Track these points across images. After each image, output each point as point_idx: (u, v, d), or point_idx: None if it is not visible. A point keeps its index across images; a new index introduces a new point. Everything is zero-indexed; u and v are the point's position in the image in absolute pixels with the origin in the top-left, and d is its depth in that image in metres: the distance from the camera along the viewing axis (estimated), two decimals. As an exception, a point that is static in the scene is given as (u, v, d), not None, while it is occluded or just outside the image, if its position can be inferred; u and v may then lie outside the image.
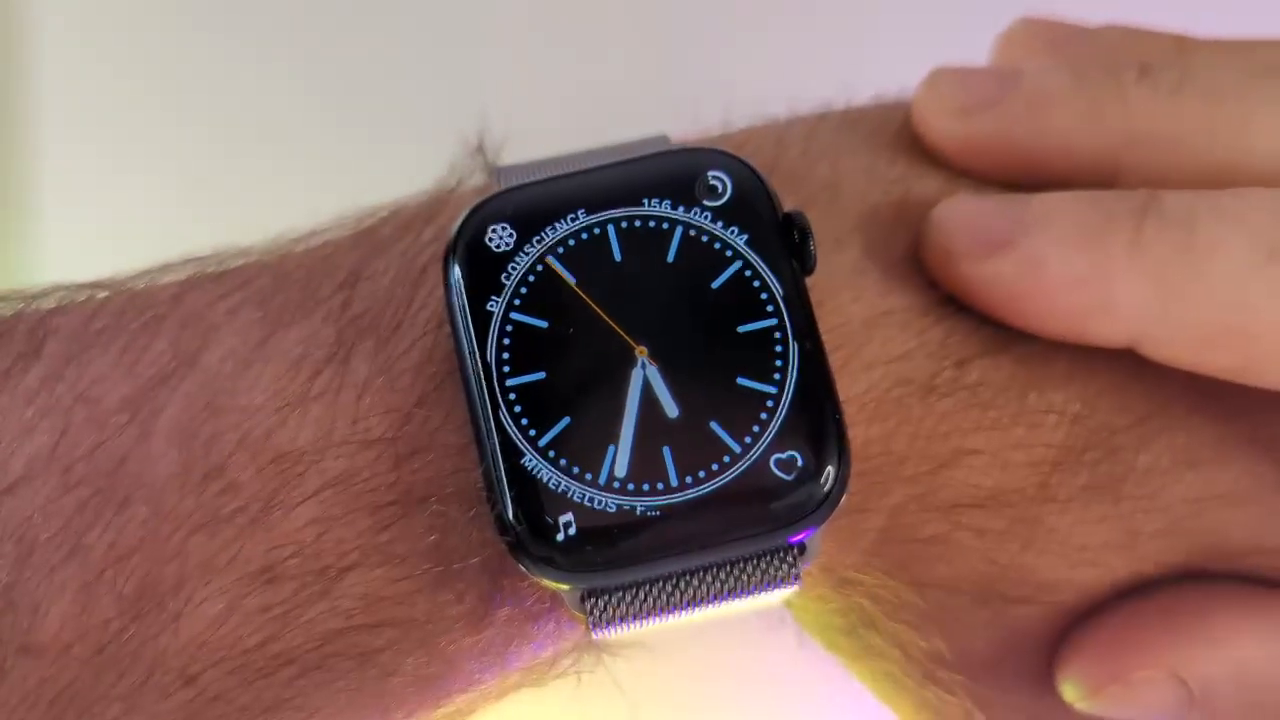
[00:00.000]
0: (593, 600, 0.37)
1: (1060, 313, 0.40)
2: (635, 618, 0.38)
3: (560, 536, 0.37)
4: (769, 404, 0.37)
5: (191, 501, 0.37)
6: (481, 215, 0.39)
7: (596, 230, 0.39)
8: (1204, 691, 0.41)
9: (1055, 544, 0.41)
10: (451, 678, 0.39)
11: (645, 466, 0.37)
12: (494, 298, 0.38)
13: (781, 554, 0.38)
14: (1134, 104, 0.42)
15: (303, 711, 0.38)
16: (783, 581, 0.38)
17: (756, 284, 0.38)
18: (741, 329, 0.38)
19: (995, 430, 0.40)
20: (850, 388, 0.40)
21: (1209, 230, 0.39)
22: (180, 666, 0.37)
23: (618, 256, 0.38)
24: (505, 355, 0.37)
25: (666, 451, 0.37)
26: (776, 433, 0.37)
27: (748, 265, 0.38)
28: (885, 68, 0.44)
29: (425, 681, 0.39)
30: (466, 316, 0.38)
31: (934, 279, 0.41)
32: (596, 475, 0.37)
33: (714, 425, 0.37)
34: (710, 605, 0.38)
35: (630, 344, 0.38)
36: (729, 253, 0.38)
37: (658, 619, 0.38)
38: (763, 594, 0.38)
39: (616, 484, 0.37)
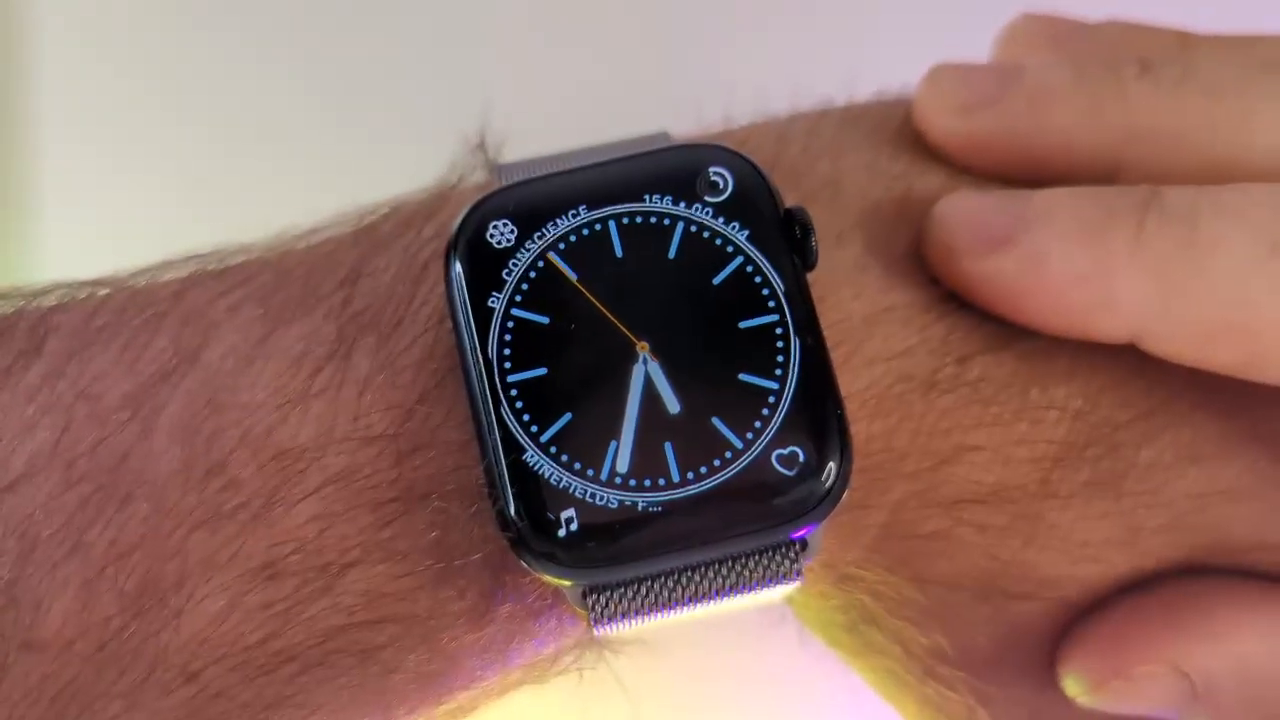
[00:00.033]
0: (594, 596, 0.37)
1: (1062, 309, 0.40)
2: (637, 614, 0.38)
3: (562, 532, 0.37)
4: (770, 400, 0.37)
5: (193, 498, 0.37)
6: (483, 211, 0.39)
7: (598, 226, 0.39)
8: (1206, 686, 0.41)
9: (1057, 540, 0.41)
10: (453, 675, 0.39)
11: (647, 462, 0.37)
12: (495, 294, 0.38)
13: (783, 550, 0.38)
14: (1135, 100, 0.42)
15: (304, 709, 0.38)
16: (784, 577, 0.38)
17: (758, 280, 0.38)
18: (743, 325, 0.38)
19: (997, 426, 0.40)
20: (852, 384, 0.40)
21: (1210, 226, 0.39)
22: (182, 663, 0.37)
23: (619, 252, 0.38)
24: (507, 351, 0.37)
25: (668, 447, 0.37)
26: (778, 428, 0.37)
27: (749, 261, 0.38)
28: (887, 64, 0.44)
29: (427, 678, 0.39)
30: (468, 313, 0.38)
31: (936, 275, 0.41)
32: (598, 471, 0.37)
33: (716, 421, 0.37)
34: (712, 601, 0.38)
35: (632, 340, 0.38)
36: (730, 249, 0.38)
37: (659, 615, 0.38)
38: (764, 590, 0.38)
39: (618, 480, 0.37)
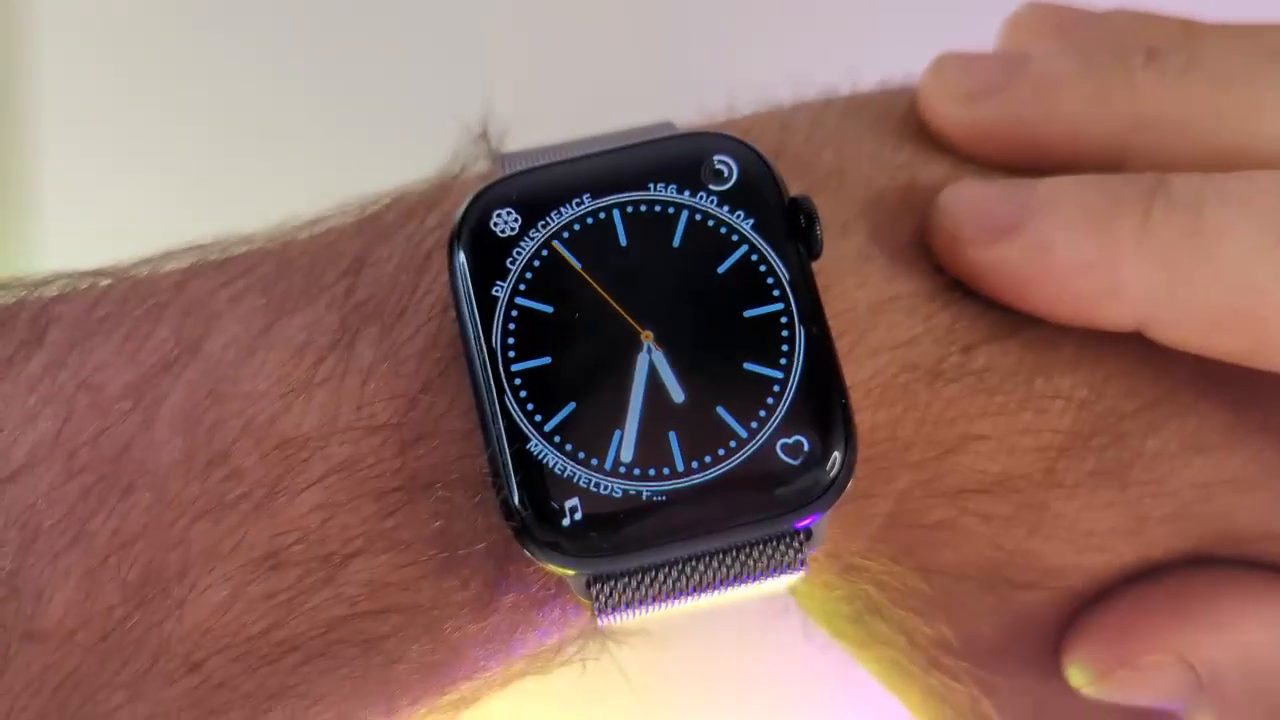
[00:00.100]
0: (598, 586, 0.37)
1: (1068, 297, 0.40)
2: (641, 603, 0.38)
3: (566, 522, 0.36)
4: (775, 389, 0.37)
5: (195, 488, 0.37)
6: (486, 200, 0.39)
7: (602, 215, 0.38)
8: (1211, 676, 0.41)
9: (1062, 529, 0.41)
10: (456, 664, 0.39)
11: (651, 451, 0.37)
12: (499, 283, 0.38)
13: (788, 539, 0.38)
14: (1141, 88, 0.42)
15: (307, 699, 0.38)
16: (789, 567, 0.38)
17: (763, 269, 0.38)
18: (748, 314, 0.38)
19: (1002, 416, 0.40)
20: (856, 373, 0.40)
21: (1216, 213, 0.39)
22: (184, 653, 0.37)
23: (623, 241, 0.38)
24: (510, 340, 0.37)
25: (673, 436, 0.37)
26: (783, 418, 0.37)
27: (754, 250, 0.38)
28: (891, 53, 0.44)
29: (430, 668, 0.39)
30: (471, 302, 0.38)
31: (940, 264, 0.41)
32: (602, 460, 0.37)
33: (720, 410, 0.37)
34: (716, 591, 0.38)
35: (636, 329, 0.38)
36: (735, 237, 0.38)
37: (663, 605, 0.38)
38: (769, 579, 0.38)
39: (622, 469, 0.37)
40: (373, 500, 0.37)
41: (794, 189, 0.40)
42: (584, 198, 0.39)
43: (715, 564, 0.38)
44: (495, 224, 0.38)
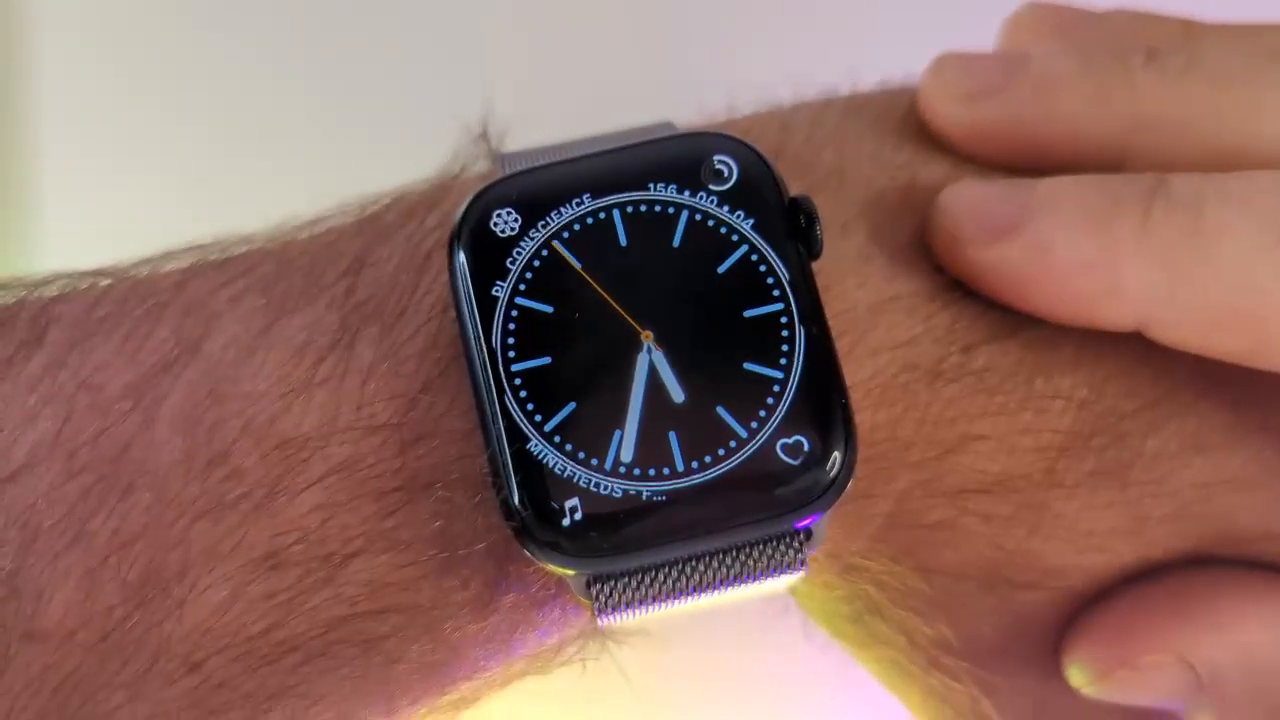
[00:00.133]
0: (598, 586, 0.37)
1: (1068, 297, 0.40)
2: (641, 603, 0.38)
3: (566, 522, 0.36)
4: (775, 389, 0.37)
5: (195, 488, 0.37)
6: (486, 200, 0.39)
7: (602, 215, 0.38)
8: (1212, 676, 0.41)
9: (1062, 529, 0.41)
10: (456, 665, 0.39)
11: (651, 451, 0.37)
12: (499, 283, 0.38)
13: (788, 539, 0.38)
14: (1141, 88, 0.42)
15: (307, 699, 0.38)
16: (789, 567, 0.38)
17: (763, 269, 0.38)
18: (748, 314, 0.38)
19: (1002, 416, 0.40)
20: (856, 373, 0.40)
21: (1216, 213, 0.39)
22: (184, 653, 0.37)
23: (623, 241, 0.38)
24: (510, 340, 0.37)
25: (673, 436, 0.37)
26: (783, 417, 0.37)
27: (754, 250, 0.38)
28: (891, 53, 0.44)
29: (430, 668, 0.39)
30: (471, 302, 0.38)
31: (940, 264, 0.41)
32: (602, 460, 0.37)
33: (720, 410, 0.37)
34: (716, 591, 0.38)
35: (636, 329, 0.38)
36: (735, 237, 0.38)
37: (663, 605, 0.38)
38: (769, 579, 0.38)
39: (623, 469, 0.37)
40: (373, 500, 0.37)
41: (794, 189, 0.40)
42: (584, 198, 0.39)
43: (715, 564, 0.38)
44: (495, 224, 0.38)
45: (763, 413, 0.37)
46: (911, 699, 0.45)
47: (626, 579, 0.37)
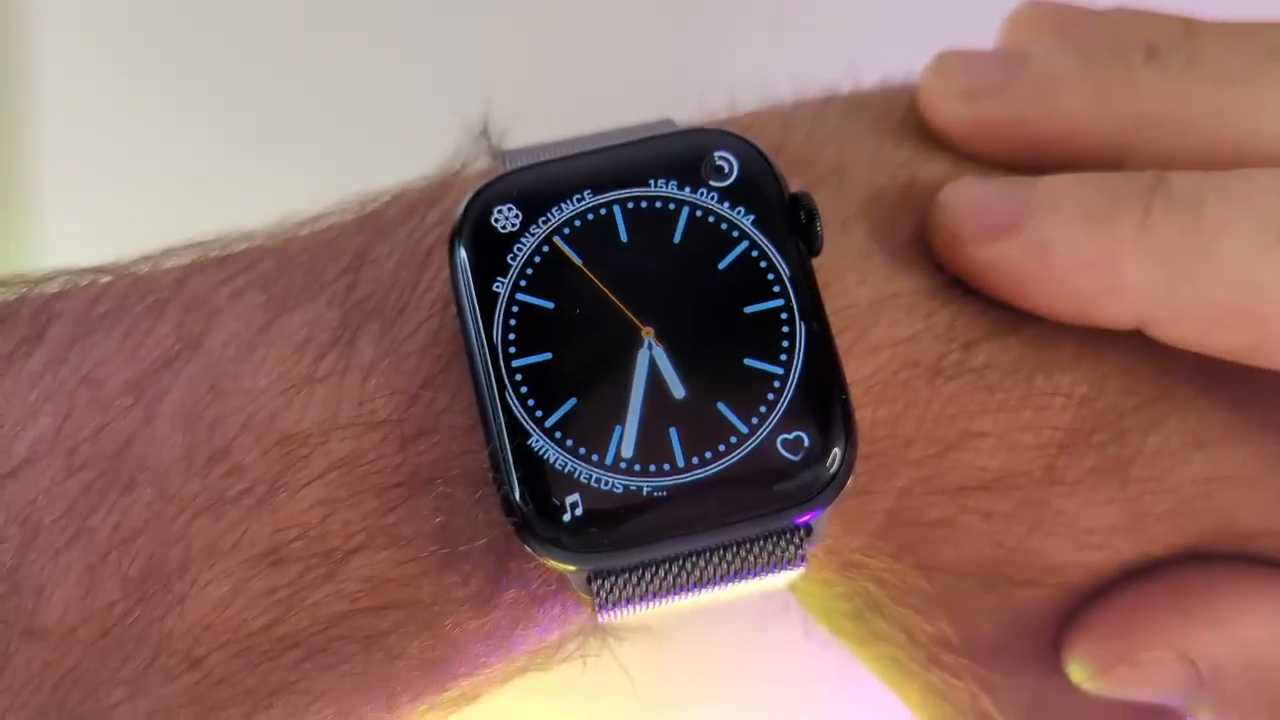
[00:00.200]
0: (599, 582, 0.37)
1: (1068, 295, 0.40)
2: (641, 599, 0.38)
3: (567, 517, 0.37)
4: (776, 385, 0.37)
5: (196, 484, 0.37)
6: (487, 196, 0.39)
7: (603, 211, 0.38)
8: (1212, 672, 0.41)
9: (1062, 526, 0.41)
10: (457, 661, 0.39)
11: (652, 447, 0.37)
12: (500, 279, 0.38)
13: (788, 535, 0.38)
14: (1142, 86, 0.42)
15: (308, 695, 0.38)
16: (789, 563, 0.38)
17: (763, 265, 0.38)
18: (748, 310, 0.38)
19: (1002, 413, 0.40)
20: (857, 370, 0.40)
21: (1216, 211, 0.39)
22: (185, 649, 0.37)
23: (624, 237, 0.38)
24: (511, 336, 0.37)
25: (673, 432, 0.37)
26: (783, 413, 0.37)
27: (754, 246, 0.38)
28: (891, 51, 0.44)
29: (431, 665, 0.39)
30: (472, 298, 0.38)
31: (941, 262, 0.41)
32: (603, 456, 0.37)
33: (721, 406, 0.37)
34: (716, 587, 0.38)
35: (637, 325, 0.38)
36: (735, 233, 0.38)
37: (664, 600, 0.38)
38: (769, 576, 0.38)
39: (623, 465, 0.37)
40: (374, 496, 0.37)
41: (794, 186, 0.40)
42: (585, 194, 0.39)
43: (716, 560, 0.38)
44: (496, 220, 0.38)
45: (763, 409, 0.37)
46: (911, 696, 0.45)
47: (627, 575, 0.37)
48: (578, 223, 0.38)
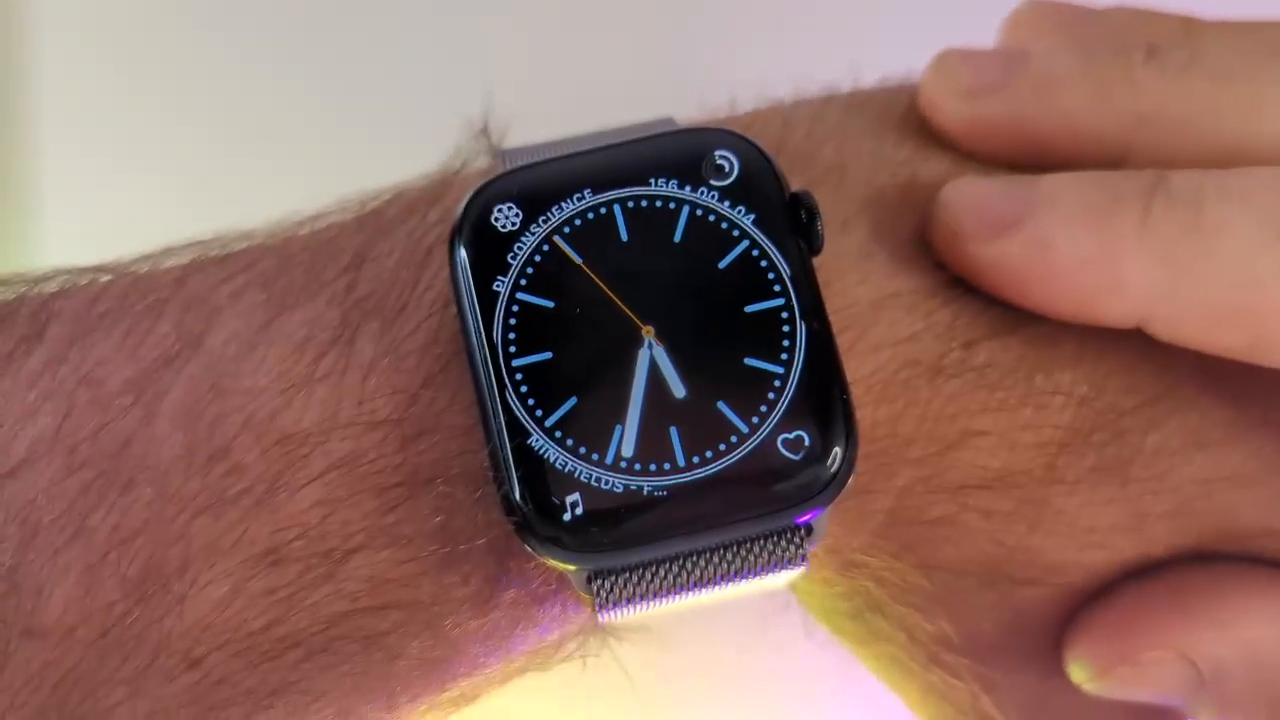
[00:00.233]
0: (599, 581, 0.37)
1: (1068, 293, 0.40)
2: (642, 599, 0.37)
3: (567, 516, 0.36)
4: (776, 384, 0.37)
5: (196, 483, 0.37)
6: (487, 195, 0.39)
7: (603, 210, 0.38)
8: (1213, 673, 0.41)
9: (1063, 526, 0.41)
10: (457, 661, 0.39)
11: (652, 446, 0.37)
12: (500, 278, 0.38)
13: (788, 535, 0.38)
14: (1142, 85, 0.42)
15: (308, 695, 0.38)
16: (790, 563, 0.38)
17: (764, 264, 0.38)
18: (749, 309, 0.38)
19: (1003, 412, 0.40)
20: (857, 369, 0.40)
21: (1217, 209, 0.39)
22: (185, 649, 0.37)
23: (624, 236, 0.38)
24: (511, 335, 0.37)
25: (674, 432, 0.37)
26: (784, 413, 0.37)
27: (755, 245, 0.38)
28: (892, 51, 0.44)
29: (430, 665, 0.39)
30: (472, 297, 0.38)
31: (941, 261, 0.41)
32: (603, 455, 0.37)
33: (721, 405, 0.37)
34: (717, 586, 0.38)
35: (637, 324, 0.38)
36: (736, 232, 0.38)
37: (664, 600, 0.38)
38: (769, 575, 0.38)
39: (624, 464, 0.37)
40: (373, 496, 0.37)
41: (795, 185, 0.39)
42: (585, 193, 0.39)
43: (716, 559, 0.38)
44: (496, 219, 0.38)
45: (764, 408, 0.37)
46: (911, 696, 0.45)
47: (627, 574, 0.37)
48: (578, 222, 0.38)
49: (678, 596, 0.38)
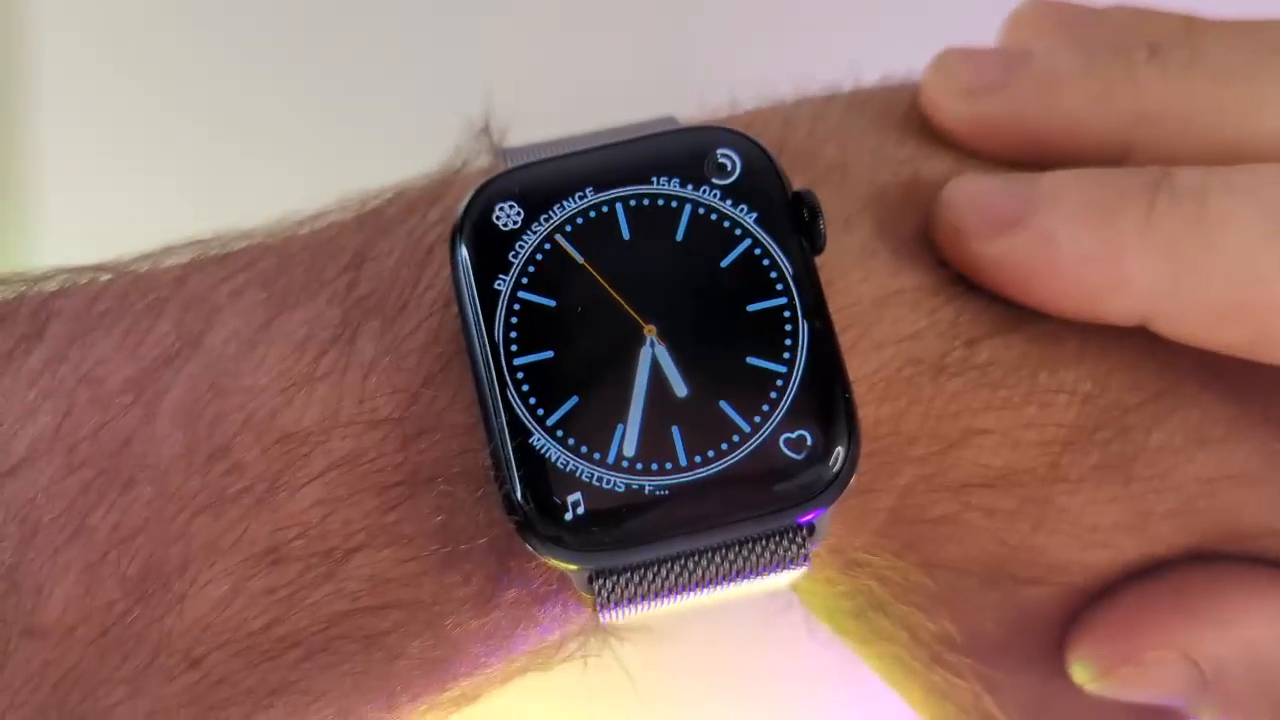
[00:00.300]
0: (600, 581, 0.37)
1: (1071, 290, 0.40)
2: (643, 599, 0.37)
3: (568, 516, 0.36)
4: (778, 383, 0.37)
5: (196, 482, 0.37)
6: (488, 194, 0.38)
7: (605, 208, 0.38)
8: (1216, 673, 0.41)
9: (1066, 524, 0.41)
10: (457, 661, 0.39)
11: (654, 446, 0.37)
12: (501, 276, 0.38)
13: (790, 535, 0.38)
14: (1143, 84, 0.42)
15: (308, 695, 0.38)
16: (792, 562, 0.38)
17: (766, 263, 0.38)
18: (751, 308, 0.38)
19: (1006, 410, 0.40)
20: (860, 367, 0.39)
21: (1220, 204, 0.39)
22: (185, 649, 0.36)
23: (626, 235, 0.38)
24: (513, 334, 0.37)
25: (675, 431, 0.37)
26: (786, 412, 0.37)
27: (757, 244, 0.38)
28: (893, 49, 0.44)
29: (431, 664, 0.39)
30: (474, 295, 0.38)
31: (944, 258, 0.41)
32: (605, 454, 0.37)
33: (723, 404, 0.37)
34: (719, 586, 0.38)
35: (639, 323, 0.38)
36: (738, 231, 0.38)
37: (666, 600, 0.38)
38: (771, 575, 0.38)
39: (625, 463, 0.37)
40: (374, 495, 0.37)
41: (796, 183, 0.39)
42: (587, 191, 0.38)
43: (718, 559, 0.37)
44: (498, 218, 0.38)
45: (766, 407, 0.37)
46: (914, 695, 0.45)
47: (629, 574, 0.37)
48: (579, 220, 0.38)
49: (679, 596, 0.38)
